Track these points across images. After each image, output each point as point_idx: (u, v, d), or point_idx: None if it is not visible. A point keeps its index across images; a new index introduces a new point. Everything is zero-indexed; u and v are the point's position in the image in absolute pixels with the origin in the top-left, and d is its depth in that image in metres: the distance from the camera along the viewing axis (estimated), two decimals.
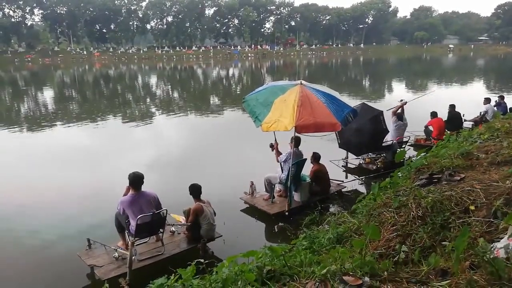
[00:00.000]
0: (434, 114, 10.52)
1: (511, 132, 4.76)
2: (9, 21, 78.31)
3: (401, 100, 10.14)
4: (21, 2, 79.86)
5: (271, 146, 7.25)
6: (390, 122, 9.41)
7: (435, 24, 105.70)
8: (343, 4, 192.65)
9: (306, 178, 7.13)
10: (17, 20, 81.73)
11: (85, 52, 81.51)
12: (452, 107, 10.97)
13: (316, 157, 7.27)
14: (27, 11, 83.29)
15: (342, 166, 9.21)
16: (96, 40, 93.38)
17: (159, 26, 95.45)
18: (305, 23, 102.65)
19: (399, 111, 9.75)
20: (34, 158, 10.55)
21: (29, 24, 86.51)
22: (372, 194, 3.75)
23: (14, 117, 18.31)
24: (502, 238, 2.02)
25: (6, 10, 79.94)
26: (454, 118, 10.84)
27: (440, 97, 16.04)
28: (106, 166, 9.81)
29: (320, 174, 7.23)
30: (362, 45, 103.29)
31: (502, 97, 12.51)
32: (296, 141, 6.87)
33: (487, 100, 11.73)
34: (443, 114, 10.79)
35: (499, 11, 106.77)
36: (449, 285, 1.68)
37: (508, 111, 10.81)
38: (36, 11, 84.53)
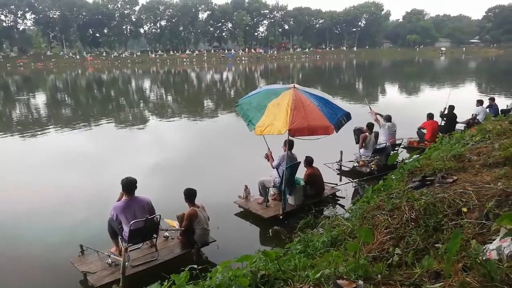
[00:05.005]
0: (430, 116, 10.44)
1: (502, 134, 4.81)
2: (0, 25, 77.61)
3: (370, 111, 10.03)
4: (12, 7, 79.12)
5: (266, 157, 7.22)
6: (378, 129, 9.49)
7: (427, 27, 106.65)
8: (336, 8, 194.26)
9: (300, 181, 7.13)
10: (9, 24, 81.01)
11: (78, 57, 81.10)
12: (451, 108, 10.95)
13: (308, 161, 7.26)
14: (19, 15, 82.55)
15: (336, 169, 9.22)
16: (89, 44, 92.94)
17: (153, 30, 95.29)
18: (298, 27, 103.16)
19: (380, 120, 9.77)
20: (26, 163, 10.42)
21: (21, 28, 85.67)
22: (366, 197, 3.77)
23: (6, 122, 18.10)
24: (494, 240, 2.03)
25: None
26: (450, 119, 10.87)
27: (432, 99, 16.15)
28: (100, 171, 9.72)
29: (314, 177, 7.23)
30: (355, 48, 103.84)
31: (492, 99, 12.64)
32: (290, 145, 6.88)
33: (480, 102, 11.82)
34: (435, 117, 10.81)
35: (490, 14, 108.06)
36: None
37: (499, 112, 10.90)
38: (28, 15, 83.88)
